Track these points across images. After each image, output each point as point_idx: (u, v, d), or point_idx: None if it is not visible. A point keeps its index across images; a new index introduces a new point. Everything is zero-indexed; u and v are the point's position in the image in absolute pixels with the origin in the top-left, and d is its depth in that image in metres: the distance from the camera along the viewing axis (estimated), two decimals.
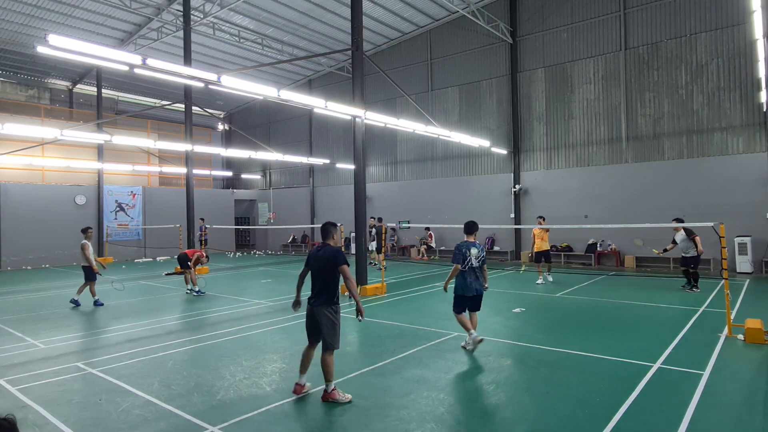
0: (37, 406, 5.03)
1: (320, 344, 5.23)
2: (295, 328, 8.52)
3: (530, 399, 5.04)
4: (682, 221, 11.38)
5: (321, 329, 5.10)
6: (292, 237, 28.30)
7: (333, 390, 5.06)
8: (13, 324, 9.16)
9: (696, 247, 11.24)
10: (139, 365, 6.44)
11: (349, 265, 5.17)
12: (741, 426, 4.37)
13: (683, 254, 11.65)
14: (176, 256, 12.94)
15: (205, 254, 13.41)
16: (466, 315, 6.97)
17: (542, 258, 13.29)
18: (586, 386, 5.35)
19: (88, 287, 11.13)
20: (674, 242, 11.79)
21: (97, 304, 10.96)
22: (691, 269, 11.50)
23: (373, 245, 17.20)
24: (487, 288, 7.07)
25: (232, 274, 17.59)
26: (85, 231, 11.31)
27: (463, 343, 6.98)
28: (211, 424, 4.54)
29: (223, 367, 6.25)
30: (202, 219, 20.64)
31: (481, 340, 6.78)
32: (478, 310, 7.01)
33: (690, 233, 11.39)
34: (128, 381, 5.77)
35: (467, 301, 6.90)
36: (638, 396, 5.02)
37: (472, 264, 6.80)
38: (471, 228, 7.06)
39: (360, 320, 5.15)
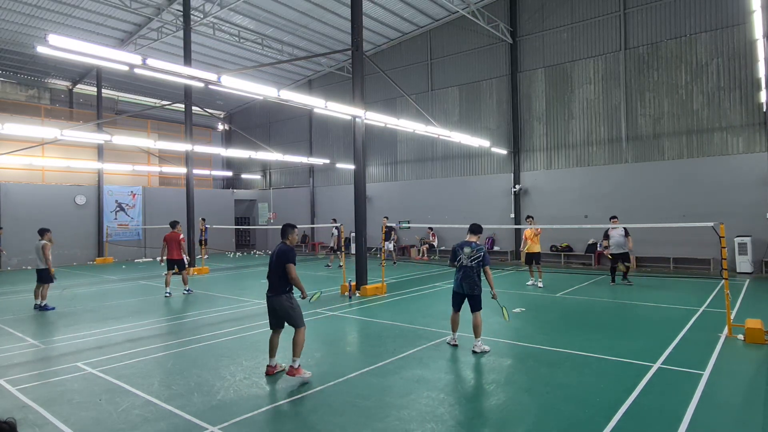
0: (37, 406, 5.03)
1: (283, 330, 6.07)
2: None
3: (530, 399, 5.04)
4: (617, 218, 13.00)
5: (282, 316, 5.88)
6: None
7: (299, 367, 5.67)
8: (13, 324, 9.16)
9: (628, 244, 12.66)
10: (139, 365, 6.44)
11: (295, 264, 5.82)
12: (741, 426, 4.37)
13: (616, 251, 12.61)
14: (165, 260, 12.40)
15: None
16: (470, 317, 6.98)
17: (533, 260, 12.83)
18: (586, 386, 5.35)
19: (40, 288, 10.68)
20: (606, 237, 12.78)
21: (46, 308, 10.51)
22: (625, 264, 12.68)
23: (388, 245, 17.33)
24: (494, 295, 6.89)
25: (232, 274, 17.59)
26: (43, 232, 10.76)
27: (447, 339, 7.22)
28: (211, 424, 4.54)
29: (223, 367, 6.25)
30: (203, 219, 20.61)
31: (455, 345, 7.03)
32: (477, 309, 6.87)
33: (627, 233, 12.64)
34: (128, 381, 5.77)
35: (459, 298, 6.98)
36: (638, 396, 5.01)
37: (462, 263, 6.87)
38: (474, 229, 7.10)
39: (302, 298, 5.93)
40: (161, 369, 6.27)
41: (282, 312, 5.86)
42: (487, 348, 6.79)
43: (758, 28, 11.87)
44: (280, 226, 6.17)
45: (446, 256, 21.65)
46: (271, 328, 6.04)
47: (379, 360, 6.45)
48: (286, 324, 5.98)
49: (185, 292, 12.52)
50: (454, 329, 7.08)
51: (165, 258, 12.28)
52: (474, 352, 6.71)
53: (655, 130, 16.71)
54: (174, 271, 12.42)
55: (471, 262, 6.80)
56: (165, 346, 7.44)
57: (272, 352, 6.01)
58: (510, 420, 4.55)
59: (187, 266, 12.47)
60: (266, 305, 5.99)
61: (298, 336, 5.78)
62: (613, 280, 12.81)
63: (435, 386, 5.44)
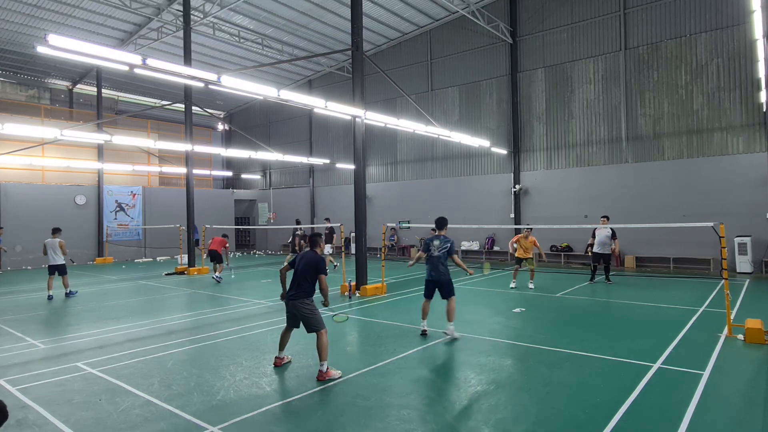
0: (37, 406, 5.03)
1: (296, 331, 6.30)
2: None
3: (530, 399, 5.04)
4: (607, 218, 12.94)
5: (301, 319, 6.00)
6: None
7: (327, 370, 5.74)
8: (13, 324, 9.16)
9: (614, 246, 12.79)
10: (139, 365, 6.44)
11: (327, 275, 6.02)
12: (741, 426, 4.37)
13: (600, 251, 12.84)
14: (207, 255, 15.63)
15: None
16: (443, 304, 7.70)
17: (521, 262, 12.74)
18: (586, 386, 5.35)
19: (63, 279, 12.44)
20: (593, 236, 12.98)
21: (71, 294, 12.37)
22: (604, 265, 12.95)
23: (328, 248, 17.50)
24: (471, 272, 8.08)
25: (231, 274, 17.56)
26: (57, 231, 12.54)
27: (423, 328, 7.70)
28: (211, 424, 4.54)
29: (223, 367, 6.25)
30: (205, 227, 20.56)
31: (425, 333, 7.66)
32: (447, 296, 7.61)
33: (614, 234, 12.76)
34: (128, 381, 5.77)
35: (430, 285, 7.71)
36: (638, 396, 5.02)
37: (432, 253, 7.64)
38: (440, 224, 7.88)
39: (325, 305, 6.14)
40: (161, 369, 6.26)
41: (301, 316, 6.00)
42: (457, 335, 7.41)
43: (758, 28, 11.87)
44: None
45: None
46: (286, 325, 6.30)
47: (379, 360, 6.45)
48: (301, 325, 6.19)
49: (215, 277, 14.77)
50: (423, 317, 7.69)
51: (208, 250, 15.35)
52: (445, 334, 7.44)
53: (655, 130, 16.71)
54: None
55: (439, 252, 7.60)
56: (165, 346, 7.43)
57: (282, 346, 6.31)
58: (510, 420, 4.55)
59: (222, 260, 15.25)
60: (285, 305, 6.16)
61: (319, 341, 5.81)
62: (593, 279, 13.16)
63: (435, 386, 5.44)
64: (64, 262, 12.30)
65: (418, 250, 21.70)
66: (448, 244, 7.60)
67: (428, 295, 7.76)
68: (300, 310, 5.95)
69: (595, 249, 12.89)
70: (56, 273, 12.20)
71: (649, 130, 16.84)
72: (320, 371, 5.71)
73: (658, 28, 16.60)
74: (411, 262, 8.46)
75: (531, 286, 12.46)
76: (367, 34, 21.40)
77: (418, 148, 22.87)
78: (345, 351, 7.10)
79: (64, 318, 9.79)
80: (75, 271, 18.64)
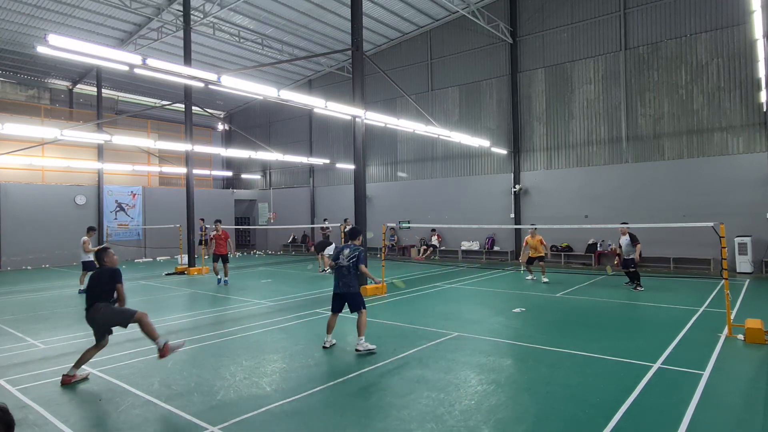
0: (37, 406, 5.03)
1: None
2: (295, 328, 8.54)
3: (530, 399, 5.04)
4: (627, 224, 12.24)
5: (100, 323, 6.05)
6: (292, 237, 28.31)
7: (166, 345, 5.84)
8: (13, 324, 9.16)
9: (635, 252, 11.88)
10: (139, 365, 6.44)
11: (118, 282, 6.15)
12: (741, 426, 4.37)
13: (625, 257, 12.18)
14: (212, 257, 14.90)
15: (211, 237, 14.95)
16: (352, 318, 7.45)
17: (534, 261, 13.74)
18: (586, 386, 5.35)
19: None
20: (620, 246, 12.38)
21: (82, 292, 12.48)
22: (631, 269, 12.08)
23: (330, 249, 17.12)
24: (375, 281, 7.98)
25: (232, 274, 17.54)
26: (88, 230, 13.38)
27: (324, 342, 7.20)
28: (211, 424, 4.54)
29: (223, 367, 6.25)
30: (202, 219, 20.61)
31: (332, 345, 7.18)
32: (356, 309, 7.06)
33: (634, 240, 11.96)
34: (128, 381, 5.77)
35: (337, 299, 7.16)
36: (638, 396, 5.02)
37: (341, 262, 7.14)
38: (352, 234, 7.55)
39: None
40: (161, 369, 6.26)
41: (103, 320, 6.12)
42: (372, 347, 6.83)
43: (758, 28, 11.87)
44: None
45: (446, 257, 21.72)
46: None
47: (379, 360, 6.45)
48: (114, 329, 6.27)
49: (225, 281, 14.31)
50: (329, 331, 7.20)
51: (212, 252, 14.53)
52: (357, 351, 6.79)
53: (655, 130, 16.71)
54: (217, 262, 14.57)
55: (348, 261, 7.14)
56: None
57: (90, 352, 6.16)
58: (510, 420, 4.55)
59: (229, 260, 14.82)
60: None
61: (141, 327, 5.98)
62: (631, 283, 12.15)
63: (435, 386, 5.44)
64: (88, 260, 12.78)
65: (418, 251, 21.86)
66: (357, 253, 7.24)
67: (335, 309, 7.20)
68: (97, 315, 6.07)
69: (624, 256, 12.17)
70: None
71: (649, 130, 16.84)
72: (65, 375, 5.77)
73: (658, 28, 16.60)
74: (327, 269, 8.49)
75: (545, 280, 13.35)
76: (367, 34, 21.40)
77: (418, 148, 22.87)
78: (345, 351, 7.09)
79: (64, 318, 9.78)
80: (75, 271, 18.60)
